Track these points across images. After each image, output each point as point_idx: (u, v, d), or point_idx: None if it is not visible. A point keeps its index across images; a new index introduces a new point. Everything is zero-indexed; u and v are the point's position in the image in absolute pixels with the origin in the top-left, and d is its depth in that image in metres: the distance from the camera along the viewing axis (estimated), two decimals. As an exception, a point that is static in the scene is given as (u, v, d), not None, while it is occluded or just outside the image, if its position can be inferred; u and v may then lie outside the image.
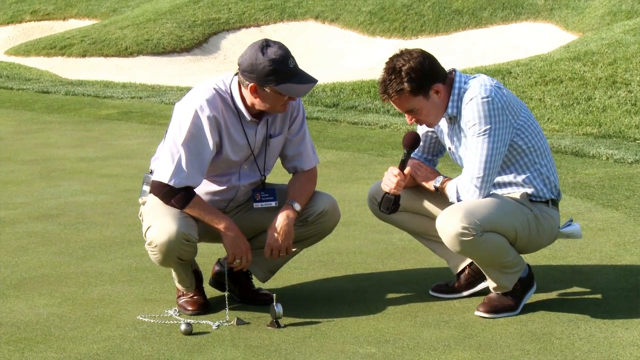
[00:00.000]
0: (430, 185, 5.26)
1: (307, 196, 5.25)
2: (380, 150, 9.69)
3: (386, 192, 5.20)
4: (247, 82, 5.02)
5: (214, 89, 5.09)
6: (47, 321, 5.19)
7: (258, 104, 5.06)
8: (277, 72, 4.95)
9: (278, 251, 5.16)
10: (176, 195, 5.04)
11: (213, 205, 5.19)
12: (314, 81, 5.05)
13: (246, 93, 5.07)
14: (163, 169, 5.06)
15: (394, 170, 5.19)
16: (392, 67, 5.03)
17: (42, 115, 12.46)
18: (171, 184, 5.02)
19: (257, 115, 5.14)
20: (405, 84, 5.00)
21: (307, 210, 5.26)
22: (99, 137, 10.92)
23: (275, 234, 5.13)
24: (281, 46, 4.99)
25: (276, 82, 4.96)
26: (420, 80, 5.01)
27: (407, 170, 5.19)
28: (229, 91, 5.11)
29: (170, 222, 4.99)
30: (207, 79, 5.25)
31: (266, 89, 4.99)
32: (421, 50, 5.11)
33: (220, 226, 5.09)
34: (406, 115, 5.15)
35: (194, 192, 5.09)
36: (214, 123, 5.04)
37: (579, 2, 23.30)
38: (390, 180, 5.18)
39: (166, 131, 5.29)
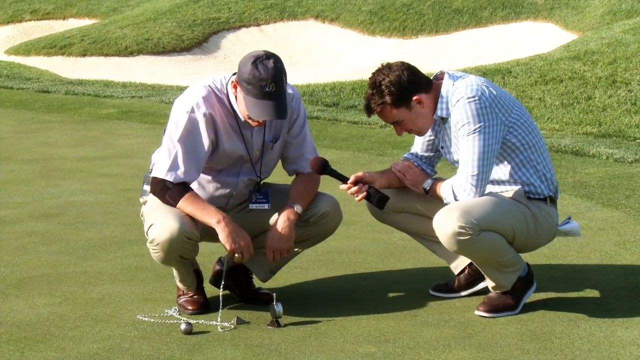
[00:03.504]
0: (420, 188, 5.28)
1: (308, 198, 5.25)
2: (380, 150, 9.69)
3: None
4: (235, 78, 5.05)
5: (210, 86, 5.11)
6: (47, 320, 5.19)
7: (237, 103, 5.08)
8: (250, 84, 4.94)
9: (280, 254, 5.16)
10: (170, 190, 5.04)
11: (213, 202, 5.19)
12: (278, 116, 4.97)
13: (232, 90, 5.09)
14: (160, 164, 5.09)
15: (342, 186, 5.24)
16: (374, 82, 5.15)
17: (42, 115, 12.46)
18: (167, 178, 5.03)
19: None
20: (387, 97, 5.09)
21: (309, 211, 5.25)
22: (99, 137, 10.92)
23: (276, 237, 5.13)
24: (274, 68, 4.92)
25: (246, 92, 4.97)
26: (400, 93, 5.09)
27: (352, 178, 5.22)
28: (225, 91, 5.12)
29: (172, 220, 4.99)
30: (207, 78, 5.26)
31: (241, 92, 5.01)
32: (401, 62, 5.19)
33: (213, 221, 5.04)
34: (394, 127, 5.21)
35: (189, 188, 5.08)
36: (210, 120, 5.05)
37: (579, 2, 23.29)
38: (350, 193, 5.24)
39: (164, 130, 5.29)
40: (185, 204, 5.04)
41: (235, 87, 5.04)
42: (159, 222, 5.02)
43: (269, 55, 4.97)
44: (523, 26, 23.47)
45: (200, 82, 5.17)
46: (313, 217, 5.25)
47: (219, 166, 5.19)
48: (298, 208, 5.17)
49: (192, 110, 5.04)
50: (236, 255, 5.07)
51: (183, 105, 5.08)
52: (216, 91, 5.10)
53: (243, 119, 5.09)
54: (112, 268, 6.08)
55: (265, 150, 5.21)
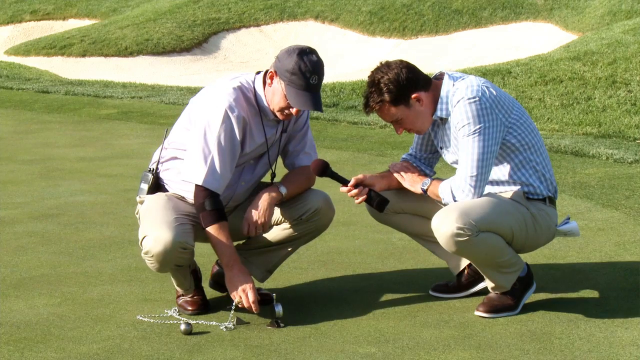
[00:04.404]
0: (417, 188, 5.28)
1: (298, 185, 5.26)
2: (380, 150, 9.70)
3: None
4: (272, 69, 5.06)
5: (239, 87, 5.11)
6: (46, 321, 5.19)
7: (268, 94, 5.08)
8: (295, 74, 4.97)
9: (255, 228, 5.17)
10: (205, 212, 5.04)
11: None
12: (317, 108, 5.05)
13: (267, 81, 5.10)
14: (195, 170, 5.06)
15: (343, 189, 5.24)
16: (372, 81, 5.13)
17: (41, 115, 12.46)
18: (205, 185, 5.02)
19: None
20: (385, 95, 5.07)
21: (301, 208, 5.26)
22: (99, 137, 10.92)
23: (254, 210, 5.15)
24: (317, 63, 5.01)
25: (289, 82, 4.98)
26: (398, 90, 5.07)
27: (352, 181, 5.22)
28: (252, 89, 5.13)
29: (166, 231, 4.97)
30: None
31: (280, 83, 5.02)
32: (400, 60, 5.18)
33: (222, 260, 5.10)
34: (393, 126, 5.20)
35: (223, 217, 5.07)
36: (241, 123, 5.06)
37: (579, 2, 23.31)
38: (351, 196, 5.24)
39: (166, 130, 5.28)
40: (211, 232, 5.05)
41: (272, 77, 5.05)
42: (153, 233, 4.99)
43: (311, 50, 5.06)
44: (523, 26, 23.49)
45: (225, 82, 5.15)
46: (305, 215, 5.26)
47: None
48: (283, 189, 5.20)
49: (226, 114, 5.03)
50: (236, 299, 5.07)
51: (216, 109, 5.05)
52: (244, 90, 5.11)
53: (273, 110, 5.10)
54: (112, 268, 6.08)
55: (279, 141, 5.24)
